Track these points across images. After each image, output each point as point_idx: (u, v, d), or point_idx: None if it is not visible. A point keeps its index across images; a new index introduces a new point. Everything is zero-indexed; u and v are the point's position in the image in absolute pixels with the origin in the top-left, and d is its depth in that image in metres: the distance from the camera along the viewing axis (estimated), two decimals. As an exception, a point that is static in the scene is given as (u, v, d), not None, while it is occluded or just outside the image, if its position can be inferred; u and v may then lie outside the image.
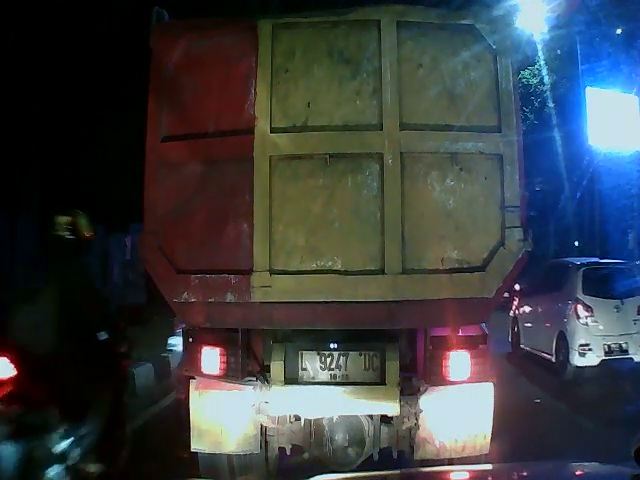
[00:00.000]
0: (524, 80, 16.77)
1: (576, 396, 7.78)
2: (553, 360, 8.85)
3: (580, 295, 8.49)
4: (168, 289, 3.73)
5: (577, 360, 8.27)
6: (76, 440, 3.60)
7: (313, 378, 3.85)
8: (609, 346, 8.24)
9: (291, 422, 4.05)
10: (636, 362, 8.22)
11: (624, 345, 8.23)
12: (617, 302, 8.45)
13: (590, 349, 8.18)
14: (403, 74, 3.61)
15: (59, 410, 3.49)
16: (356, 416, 3.89)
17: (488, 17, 3.72)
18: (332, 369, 3.84)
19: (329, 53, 3.67)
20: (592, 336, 8.21)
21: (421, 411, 3.88)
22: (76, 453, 3.61)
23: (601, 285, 8.65)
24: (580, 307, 8.44)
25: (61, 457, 3.52)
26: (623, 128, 15.85)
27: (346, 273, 3.58)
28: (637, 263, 7.23)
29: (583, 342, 8.17)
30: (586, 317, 8.38)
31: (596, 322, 8.30)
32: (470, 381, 3.84)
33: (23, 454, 3.32)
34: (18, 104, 9.34)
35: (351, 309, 3.59)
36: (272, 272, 3.57)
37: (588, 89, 16.08)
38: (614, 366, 8.32)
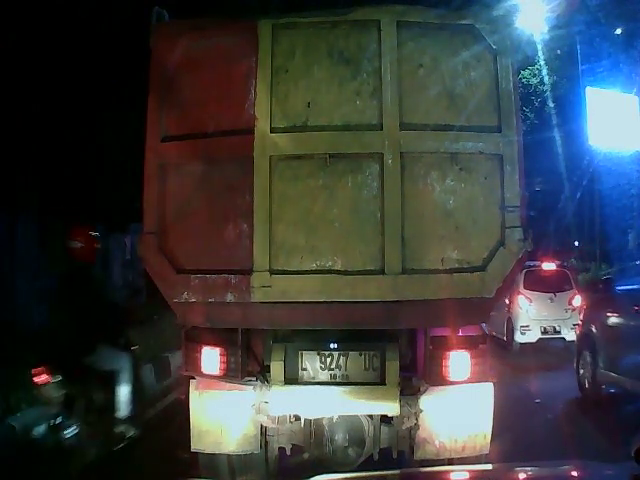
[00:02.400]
0: (524, 80, 16.78)
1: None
2: (504, 339, 11.44)
3: (522, 289, 11.17)
4: (168, 289, 3.73)
5: (519, 338, 11.02)
6: None
7: (313, 378, 3.85)
8: (545, 328, 11.00)
9: (291, 422, 4.05)
10: (568, 340, 10.49)
11: (557, 327, 10.92)
12: (551, 295, 11.26)
13: (530, 329, 10.93)
14: (403, 74, 3.61)
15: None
16: (356, 416, 3.90)
17: (488, 17, 3.72)
18: (332, 369, 3.85)
19: (329, 53, 3.67)
20: (531, 320, 10.94)
21: (421, 411, 3.88)
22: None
23: (539, 282, 11.34)
24: (522, 297, 11.15)
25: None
26: (623, 128, 15.84)
27: (346, 273, 3.58)
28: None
29: (524, 324, 10.91)
30: (526, 305, 11.07)
31: (534, 310, 11.02)
32: (470, 381, 3.84)
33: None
34: (18, 104, 9.33)
35: (351, 309, 3.59)
36: (272, 272, 3.57)
37: (588, 89, 16.07)
38: (549, 343, 11.08)
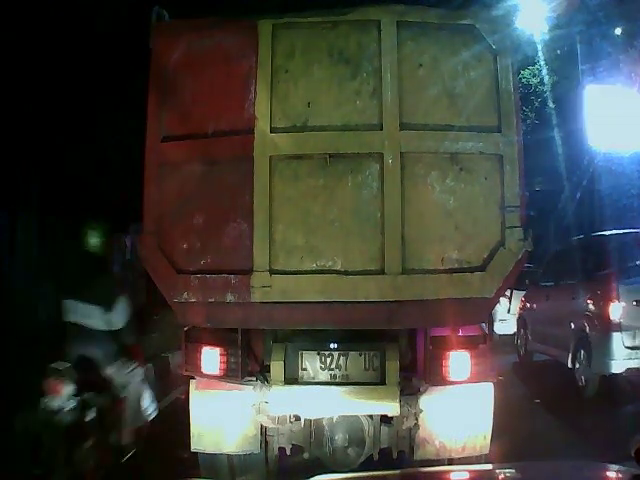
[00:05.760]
0: (524, 80, 16.74)
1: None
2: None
3: None
4: (168, 289, 3.73)
5: (498, 330, 11.69)
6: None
7: (313, 378, 3.85)
8: None
9: (291, 422, 4.05)
10: None
11: None
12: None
13: (507, 323, 11.73)
14: (403, 74, 3.61)
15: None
16: (356, 416, 3.89)
17: (488, 17, 3.72)
18: (332, 369, 3.85)
19: (329, 53, 3.67)
20: (508, 314, 11.43)
21: (421, 411, 3.88)
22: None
23: (516, 281, 12.05)
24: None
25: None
26: (624, 125, 15.75)
27: (346, 273, 3.58)
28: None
29: (502, 318, 11.61)
30: (505, 302, 12.03)
31: (512, 305, 11.54)
32: (470, 381, 3.84)
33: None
34: (18, 104, 9.33)
35: (351, 309, 3.59)
36: (272, 272, 3.57)
37: (588, 87, 16.03)
38: None
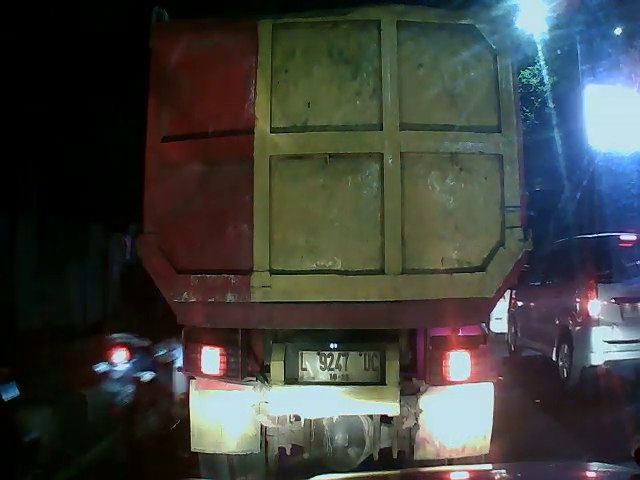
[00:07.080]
0: (524, 80, 16.74)
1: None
2: None
3: None
4: (168, 289, 3.73)
5: (494, 328, 13.02)
6: None
7: (313, 378, 3.85)
8: None
9: (291, 422, 4.05)
10: None
11: None
12: None
13: (503, 321, 12.20)
14: (403, 74, 3.61)
15: None
16: (356, 416, 3.89)
17: (488, 17, 3.72)
18: (332, 369, 3.85)
19: (329, 53, 3.67)
20: (503, 314, 12.18)
21: (421, 411, 3.89)
22: None
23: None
24: None
25: None
26: (624, 125, 15.75)
27: (346, 273, 3.58)
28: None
29: (498, 316, 11.78)
30: (500, 300, 12.50)
31: (507, 304, 12.31)
32: (470, 381, 3.84)
33: None
34: (18, 104, 9.33)
35: (351, 309, 3.59)
36: (272, 272, 3.57)
37: (588, 87, 16.03)
38: None
